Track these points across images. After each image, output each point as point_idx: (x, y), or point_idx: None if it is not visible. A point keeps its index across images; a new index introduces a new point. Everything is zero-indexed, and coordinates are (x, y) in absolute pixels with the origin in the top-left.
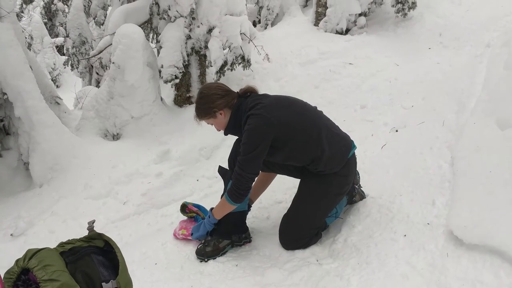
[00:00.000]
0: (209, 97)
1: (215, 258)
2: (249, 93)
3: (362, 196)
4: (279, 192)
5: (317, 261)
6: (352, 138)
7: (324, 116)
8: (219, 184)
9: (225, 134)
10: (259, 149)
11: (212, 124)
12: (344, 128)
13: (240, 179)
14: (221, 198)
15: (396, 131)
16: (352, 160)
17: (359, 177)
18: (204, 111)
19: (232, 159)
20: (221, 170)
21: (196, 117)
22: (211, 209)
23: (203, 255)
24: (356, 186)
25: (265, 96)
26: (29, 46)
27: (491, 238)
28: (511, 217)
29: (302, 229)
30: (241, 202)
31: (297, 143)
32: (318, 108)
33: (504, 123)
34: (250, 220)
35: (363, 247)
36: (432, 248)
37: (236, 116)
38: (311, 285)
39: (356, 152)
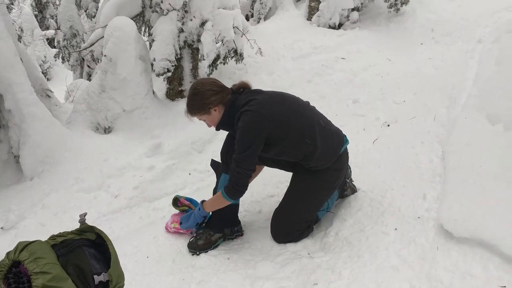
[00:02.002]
0: (204, 93)
1: (207, 251)
2: (243, 88)
3: (354, 190)
4: (271, 186)
5: (309, 254)
6: (344, 132)
7: (317, 112)
8: (211, 178)
9: (217, 129)
10: (254, 146)
11: (204, 120)
12: (336, 122)
13: (238, 176)
14: (213, 191)
15: (388, 125)
16: (344, 155)
17: (350, 171)
18: (198, 107)
19: (224, 152)
20: (213, 163)
21: (187, 113)
22: (202, 201)
23: (195, 248)
24: (348, 180)
25: (259, 92)
26: (19, 38)
27: (481, 231)
28: (500, 211)
29: (294, 223)
30: (238, 198)
31: (291, 139)
32: (311, 103)
33: (495, 118)
34: (242, 213)
35: (355, 241)
36: (422, 242)
37: (230, 113)
38: (303, 278)
39: (348, 146)
